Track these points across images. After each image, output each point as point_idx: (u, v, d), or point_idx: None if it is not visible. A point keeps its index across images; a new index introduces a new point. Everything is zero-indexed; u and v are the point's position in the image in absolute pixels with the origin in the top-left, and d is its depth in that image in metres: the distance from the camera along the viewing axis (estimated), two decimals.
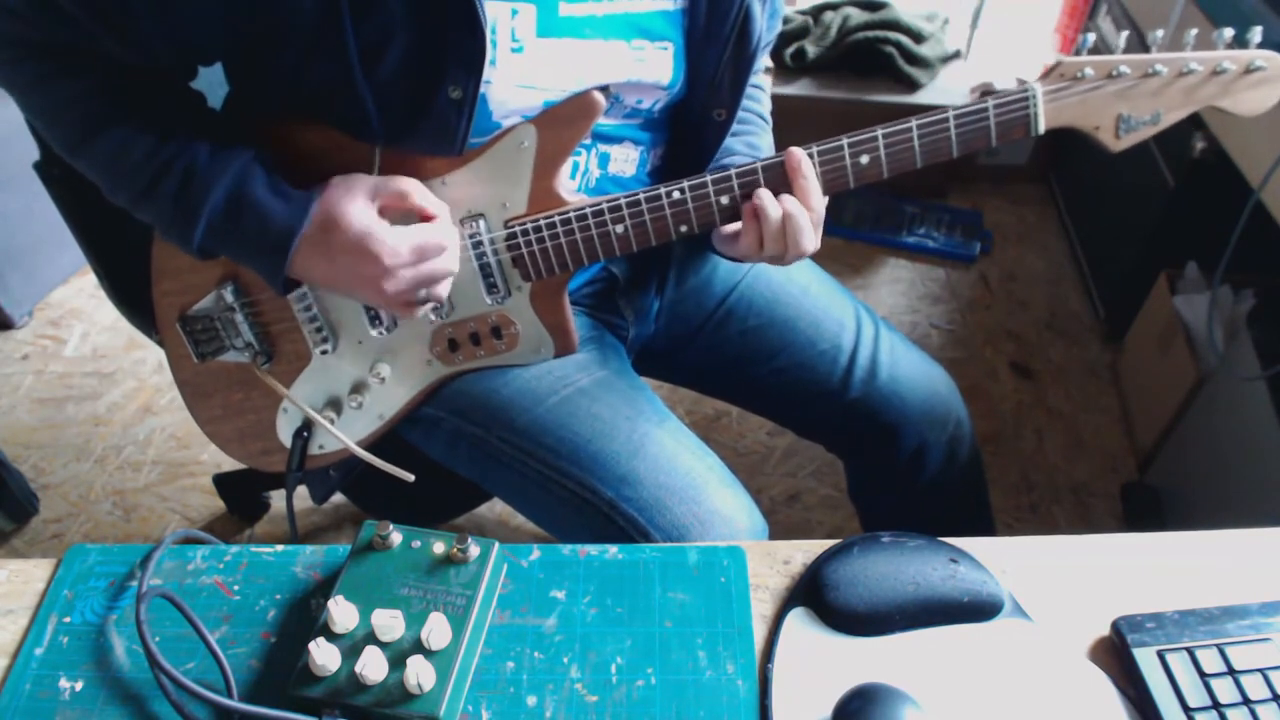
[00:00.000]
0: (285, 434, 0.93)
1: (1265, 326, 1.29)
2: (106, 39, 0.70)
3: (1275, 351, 1.24)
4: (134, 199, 0.76)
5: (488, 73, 0.72)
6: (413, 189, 0.77)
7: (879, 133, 0.77)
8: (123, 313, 1.05)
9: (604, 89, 0.78)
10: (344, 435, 0.90)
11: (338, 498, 1.55)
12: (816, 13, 2.21)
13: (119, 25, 0.69)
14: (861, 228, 2.15)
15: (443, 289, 0.80)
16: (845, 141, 0.78)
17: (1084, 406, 1.77)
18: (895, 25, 2.10)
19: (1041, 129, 0.77)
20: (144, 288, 0.90)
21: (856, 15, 2.16)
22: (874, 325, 1.00)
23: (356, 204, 0.74)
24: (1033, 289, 2.03)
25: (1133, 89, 0.75)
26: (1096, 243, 1.99)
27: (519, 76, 0.75)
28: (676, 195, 0.79)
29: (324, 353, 0.88)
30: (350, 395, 0.89)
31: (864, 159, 0.78)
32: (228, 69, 0.83)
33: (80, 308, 1.99)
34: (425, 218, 0.77)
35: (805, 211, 0.78)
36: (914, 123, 0.77)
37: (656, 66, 0.82)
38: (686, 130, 0.90)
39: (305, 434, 0.92)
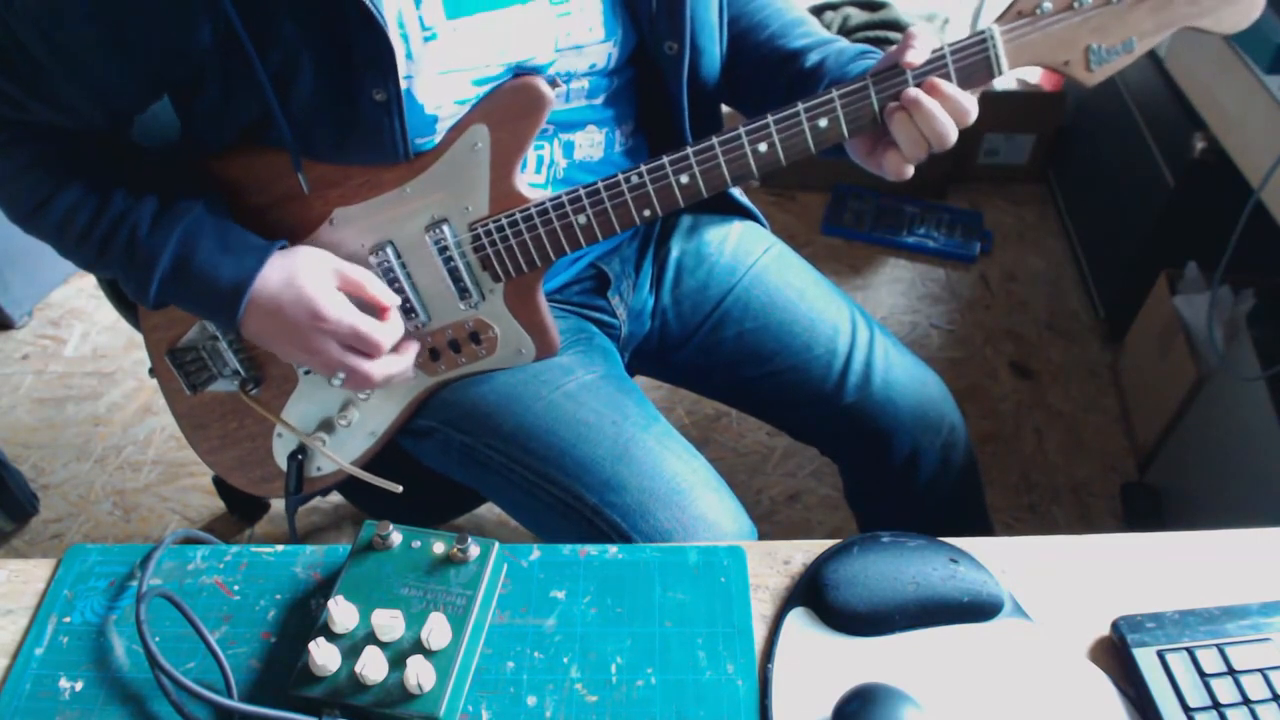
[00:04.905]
0: (282, 458, 0.93)
1: (1265, 326, 1.29)
2: (40, 107, 0.73)
3: (1275, 351, 1.24)
4: (89, 265, 0.81)
5: (406, 68, 0.72)
6: (368, 280, 0.79)
7: (835, 94, 0.74)
8: (122, 314, 1.05)
9: (551, 82, 0.77)
10: (335, 454, 0.90)
11: (337, 497, 1.55)
12: (816, 13, 2.21)
13: (46, 94, 0.72)
14: (861, 228, 2.15)
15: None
16: (801, 107, 0.75)
17: (1084, 406, 1.77)
18: (895, 25, 2.10)
19: (1005, 69, 0.73)
20: None
21: (856, 15, 2.15)
22: (869, 329, 1.00)
23: (323, 271, 0.78)
24: (1033, 289, 2.03)
25: (1097, 16, 0.71)
26: (1096, 243, 1.99)
27: (439, 64, 0.74)
28: (635, 180, 0.78)
29: (308, 372, 0.88)
30: (340, 414, 0.90)
31: (822, 122, 0.75)
32: (175, 108, 0.84)
33: (80, 308, 1.99)
34: (380, 308, 0.80)
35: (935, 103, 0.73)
36: (870, 81, 0.74)
37: (584, 19, 0.79)
38: (649, 80, 0.88)
39: (300, 457, 0.92)
